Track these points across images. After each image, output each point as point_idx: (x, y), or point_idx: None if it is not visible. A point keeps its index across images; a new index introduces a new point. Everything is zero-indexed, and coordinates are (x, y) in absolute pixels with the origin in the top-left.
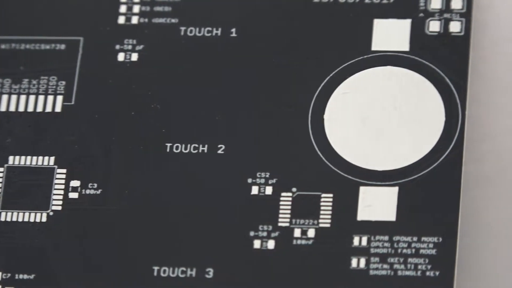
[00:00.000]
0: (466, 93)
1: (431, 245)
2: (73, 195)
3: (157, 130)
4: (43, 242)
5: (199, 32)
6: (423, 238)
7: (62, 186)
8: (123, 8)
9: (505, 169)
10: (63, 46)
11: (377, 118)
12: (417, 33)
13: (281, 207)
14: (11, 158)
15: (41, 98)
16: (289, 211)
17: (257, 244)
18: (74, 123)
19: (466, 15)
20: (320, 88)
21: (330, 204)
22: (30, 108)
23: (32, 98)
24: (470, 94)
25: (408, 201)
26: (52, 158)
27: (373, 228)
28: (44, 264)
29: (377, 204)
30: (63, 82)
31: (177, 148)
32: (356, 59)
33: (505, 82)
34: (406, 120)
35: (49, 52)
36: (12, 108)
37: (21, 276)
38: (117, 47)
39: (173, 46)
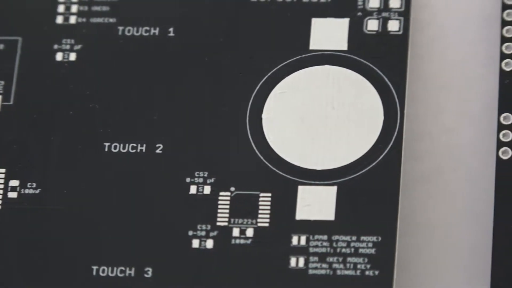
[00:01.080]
0: (405, 92)
1: (370, 245)
2: (12, 194)
3: (95, 130)
4: None
5: (137, 31)
6: (362, 238)
7: (1, 186)
8: (61, 8)
9: (443, 167)
10: (1, 46)
11: (315, 117)
12: (355, 32)
13: (219, 206)
14: None
15: None
16: (227, 211)
17: (195, 243)
18: (13, 123)
19: (405, 14)
20: (258, 87)
21: (269, 203)
22: None
23: None
24: (409, 92)
25: (347, 200)
26: None
27: (312, 227)
28: None
29: (316, 203)
30: (2, 82)
31: (115, 147)
32: (294, 58)
33: (442, 80)
34: (344, 119)
35: None
36: None
37: None
38: (55, 47)
39: (111, 45)
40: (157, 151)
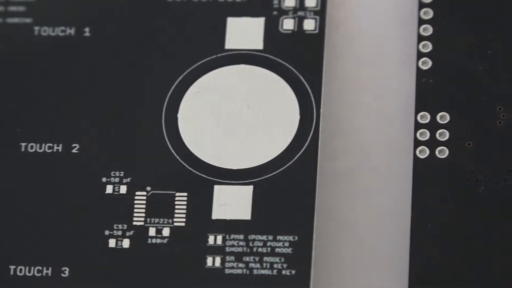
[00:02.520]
0: (321, 91)
1: (286, 244)
2: None
3: (12, 130)
4: None
5: (53, 31)
6: (279, 237)
7: None
8: None
9: (359, 166)
10: None
11: (231, 116)
12: (271, 32)
13: (135, 206)
14: None
15: None
16: (143, 210)
17: (112, 243)
18: None
19: (320, 13)
20: (173, 86)
21: (185, 203)
22: None
23: None
24: (325, 91)
25: (263, 200)
26: None
27: (228, 227)
28: None
29: (232, 203)
30: None
31: (31, 147)
32: (210, 58)
33: (358, 79)
34: (260, 119)
35: None
36: None
37: None
38: None
39: (27, 46)
40: (74, 151)
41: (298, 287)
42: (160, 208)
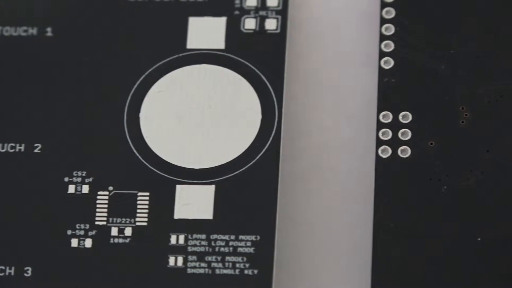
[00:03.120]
0: (283, 91)
1: (249, 244)
2: None
3: None
4: None
5: (15, 31)
6: (241, 237)
7: None
8: None
9: (321, 166)
10: None
11: (193, 116)
12: (233, 31)
13: (98, 205)
14: None
15: None
16: (106, 210)
17: (74, 242)
18: None
19: (282, 12)
20: (135, 86)
21: (147, 202)
22: None
23: None
24: (287, 91)
25: (225, 200)
26: None
27: (190, 226)
28: None
29: (194, 202)
30: None
31: None
32: (172, 58)
33: (321, 79)
34: (222, 118)
35: None
36: None
37: None
38: None
39: None
40: (36, 150)
41: (260, 287)
42: (122, 207)
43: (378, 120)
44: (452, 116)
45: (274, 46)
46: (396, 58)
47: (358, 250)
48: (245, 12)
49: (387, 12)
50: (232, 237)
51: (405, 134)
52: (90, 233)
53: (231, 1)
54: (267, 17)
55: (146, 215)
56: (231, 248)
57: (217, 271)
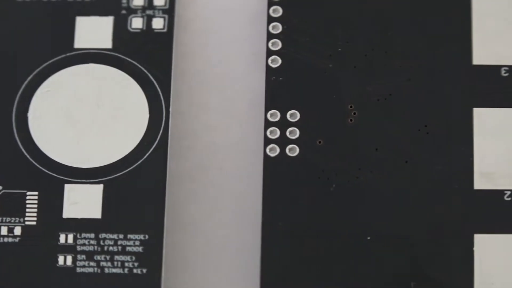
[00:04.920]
0: (170, 90)
1: (137, 243)
2: None
3: None
4: None
5: None
6: (129, 236)
7: None
8: None
9: (209, 165)
10: None
11: (81, 116)
12: (120, 30)
13: None
14: None
15: None
16: None
17: None
18: None
19: (169, 11)
20: (23, 86)
21: (36, 202)
22: None
23: None
24: (174, 90)
25: (113, 199)
26: None
27: (79, 225)
28: None
29: (83, 201)
30: None
31: None
32: (59, 57)
33: (207, 78)
34: (110, 118)
35: None
36: None
37: None
38: None
39: None
40: None
41: (149, 286)
42: (11, 207)
43: (266, 119)
44: (340, 114)
45: (161, 45)
46: (283, 57)
47: (247, 250)
48: (132, 11)
49: (274, 11)
50: (121, 236)
51: (293, 133)
52: None
53: (118, 0)
54: (154, 16)
55: (35, 214)
56: (119, 247)
57: (106, 270)
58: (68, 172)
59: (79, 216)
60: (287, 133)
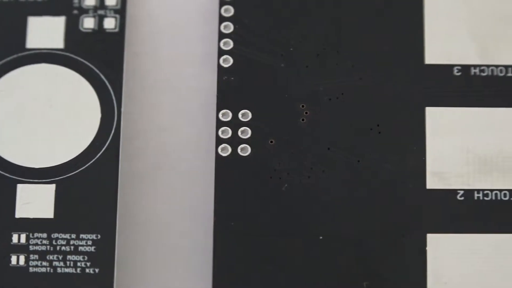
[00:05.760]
0: (122, 90)
1: (90, 242)
2: None
3: None
4: None
5: None
6: (82, 235)
7: None
8: None
9: (160, 165)
10: None
11: (34, 116)
12: (72, 30)
13: None
14: None
15: None
16: None
17: None
18: None
19: (121, 11)
20: None
21: None
22: None
23: None
24: (126, 90)
25: (65, 199)
26: None
27: (32, 225)
28: None
29: (35, 201)
30: None
31: None
32: (11, 57)
33: (159, 78)
34: (62, 118)
35: None
36: None
37: None
38: None
39: None
40: None
41: (101, 285)
42: None
43: (217, 119)
44: (292, 114)
45: (113, 45)
46: (235, 56)
47: (199, 249)
48: (84, 11)
49: (226, 10)
50: (73, 236)
51: (245, 133)
52: None
53: (70, 0)
54: (105, 16)
55: None
56: (72, 247)
57: (59, 270)
58: (20, 172)
59: (31, 216)
60: (239, 133)
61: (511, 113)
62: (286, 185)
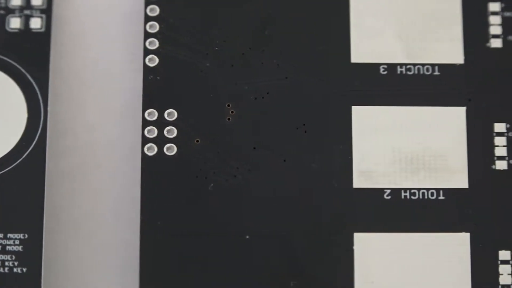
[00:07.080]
0: (48, 89)
1: (17, 242)
2: None
3: None
4: None
5: None
6: (9, 235)
7: None
8: None
9: (87, 164)
10: None
11: None
12: None
13: None
14: None
15: None
16: None
17: None
18: None
19: (47, 11)
20: None
21: None
22: None
23: None
24: (52, 90)
25: None
26: None
27: None
28: None
29: None
30: None
31: None
32: None
33: (85, 77)
34: None
35: None
36: None
37: None
38: None
39: None
40: None
41: (29, 285)
42: None
43: (143, 118)
44: (218, 113)
45: (39, 45)
46: (160, 56)
47: (126, 249)
48: (10, 11)
49: (151, 10)
50: (1, 235)
51: (171, 132)
52: None
53: None
54: (31, 16)
55: None
56: None
57: None
58: None
59: None
60: (165, 132)
61: (438, 112)
62: (212, 184)
